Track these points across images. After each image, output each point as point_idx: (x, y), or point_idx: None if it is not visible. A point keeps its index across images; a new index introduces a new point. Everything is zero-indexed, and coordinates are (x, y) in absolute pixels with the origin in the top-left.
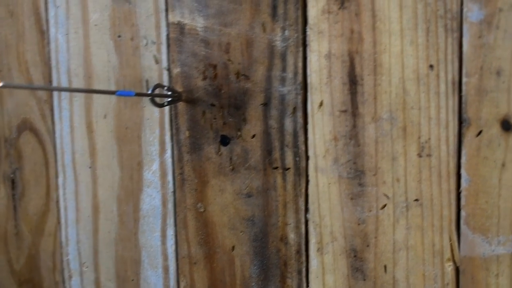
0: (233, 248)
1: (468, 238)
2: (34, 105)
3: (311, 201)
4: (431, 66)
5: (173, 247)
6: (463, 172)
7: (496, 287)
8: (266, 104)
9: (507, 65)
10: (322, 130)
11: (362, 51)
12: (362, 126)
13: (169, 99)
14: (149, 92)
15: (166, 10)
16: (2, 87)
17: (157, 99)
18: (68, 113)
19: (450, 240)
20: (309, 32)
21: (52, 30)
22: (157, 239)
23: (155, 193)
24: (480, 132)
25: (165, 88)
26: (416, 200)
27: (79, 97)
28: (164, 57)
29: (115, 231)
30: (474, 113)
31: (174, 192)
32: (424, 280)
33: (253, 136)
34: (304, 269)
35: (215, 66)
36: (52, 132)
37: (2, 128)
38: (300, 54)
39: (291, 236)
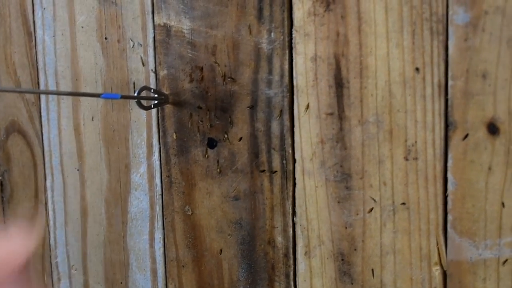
0: (220, 251)
1: (455, 242)
2: (22, 107)
3: (298, 204)
4: (417, 69)
5: (161, 250)
6: (449, 175)
7: None
8: (252, 107)
9: (493, 68)
10: (308, 133)
11: (348, 54)
12: (349, 129)
13: (156, 102)
14: (135, 94)
15: (153, 12)
16: None
17: (144, 102)
18: (56, 115)
19: (437, 244)
20: (295, 34)
21: (39, 32)
22: (145, 242)
23: (143, 195)
24: (466, 136)
25: (152, 90)
26: (403, 203)
27: (67, 99)
28: (150, 59)
29: (103, 233)
30: (460, 116)
31: (162, 195)
32: (412, 284)
33: (240, 139)
34: (292, 273)
35: (201, 68)
36: (40, 134)
37: None
38: (287, 57)
39: (279, 239)
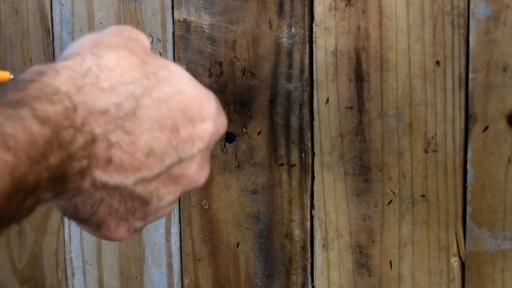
0: (237, 245)
1: (474, 233)
2: None
3: (316, 197)
4: (437, 62)
5: (177, 244)
6: (469, 167)
7: (502, 282)
8: (272, 101)
9: None
10: (328, 126)
11: (368, 48)
12: (368, 122)
13: None
14: None
15: (172, 8)
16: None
17: None
18: None
19: (456, 235)
20: (315, 29)
21: (57, 28)
22: (161, 236)
23: None
24: (486, 128)
25: None
26: (422, 195)
27: None
28: (170, 54)
29: None
30: (481, 109)
31: None
32: (430, 276)
33: (259, 133)
34: (309, 265)
35: (221, 63)
36: None
37: None
38: (307, 51)
39: (296, 232)
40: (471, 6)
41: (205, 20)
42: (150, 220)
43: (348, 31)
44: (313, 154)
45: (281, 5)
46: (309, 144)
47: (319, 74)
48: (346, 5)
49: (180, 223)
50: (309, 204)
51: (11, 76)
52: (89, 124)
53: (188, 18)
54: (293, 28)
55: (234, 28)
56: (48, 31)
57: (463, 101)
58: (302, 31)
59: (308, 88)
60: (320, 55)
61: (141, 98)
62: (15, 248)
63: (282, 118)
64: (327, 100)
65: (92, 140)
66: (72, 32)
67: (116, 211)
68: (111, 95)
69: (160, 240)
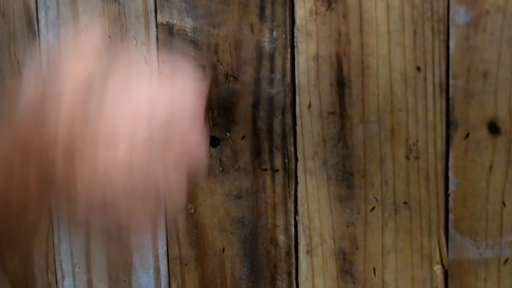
0: (223, 249)
1: (456, 241)
2: None
3: (300, 203)
4: (418, 68)
5: (164, 248)
6: (450, 175)
7: None
8: (255, 106)
9: (494, 67)
10: (310, 132)
11: (349, 53)
12: (350, 128)
13: None
14: None
15: (155, 11)
16: None
17: None
18: None
19: (439, 243)
20: (296, 33)
21: (42, 31)
22: (148, 240)
23: None
24: (467, 135)
25: None
26: (405, 203)
27: None
28: (153, 58)
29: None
30: (462, 116)
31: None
32: (413, 283)
33: (243, 137)
34: (294, 271)
35: (204, 67)
36: None
37: None
38: (288, 56)
39: (281, 238)
40: (451, 12)
41: (188, 24)
42: None
43: (329, 36)
44: (296, 160)
45: (262, 9)
46: (292, 149)
47: (301, 79)
48: (327, 10)
49: (166, 227)
50: (293, 209)
51: None
52: None
53: (171, 21)
54: (274, 32)
55: (217, 31)
56: (34, 33)
57: (444, 107)
58: (284, 35)
59: (290, 93)
60: (301, 60)
61: None
62: (6, 250)
63: (265, 123)
64: (309, 105)
65: None
66: (58, 34)
67: None
68: None
69: (147, 244)
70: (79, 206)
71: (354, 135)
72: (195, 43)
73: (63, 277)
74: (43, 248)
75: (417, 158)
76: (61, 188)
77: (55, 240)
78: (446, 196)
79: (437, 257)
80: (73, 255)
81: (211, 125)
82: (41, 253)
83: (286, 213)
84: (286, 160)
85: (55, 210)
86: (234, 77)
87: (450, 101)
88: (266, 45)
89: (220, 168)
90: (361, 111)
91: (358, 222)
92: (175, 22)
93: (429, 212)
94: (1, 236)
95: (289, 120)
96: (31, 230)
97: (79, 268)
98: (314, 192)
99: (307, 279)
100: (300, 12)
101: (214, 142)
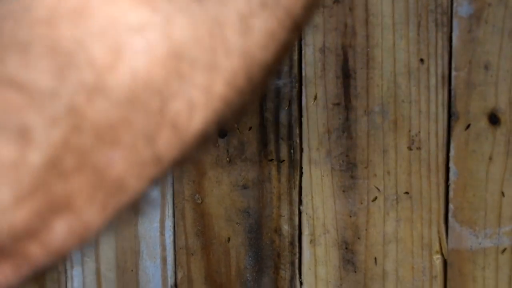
0: (228, 239)
1: (455, 231)
2: None
3: (304, 193)
4: (421, 60)
5: (171, 237)
6: (451, 165)
7: (483, 280)
8: (262, 97)
9: (495, 59)
10: (316, 123)
11: (355, 45)
12: (355, 119)
13: None
14: None
15: None
16: None
17: None
18: None
19: (439, 233)
20: None
21: None
22: (155, 230)
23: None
24: (468, 126)
25: None
26: (406, 193)
27: None
28: None
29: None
30: (463, 107)
31: (173, 183)
32: (413, 272)
33: (250, 128)
34: (297, 261)
35: None
36: None
37: None
38: (296, 48)
39: (285, 227)
40: (454, 4)
41: None
42: None
43: (336, 28)
44: (301, 150)
45: None
46: (298, 140)
47: (308, 70)
48: (334, 2)
49: (174, 217)
50: (297, 199)
51: None
52: None
53: None
54: None
55: None
56: None
57: (446, 99)
58: None
59: (297, 84)
60: (308, 52)
61: None
62: None
63: (272, 114)
64: (315, 97)
65: None
66: None
67: None
68: None
69: (155, 234)
70: None
71: (358, 126)
72: None
73: (72, 267)
74: None
75: (419, 148)
76: None
77: None
78: (447, 186)
79: (436, 247)
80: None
81: None
82: None
83: (290, 203)
84: (292, 151)
85: None
86: None
87: (452, 93)
88: None
89: (228, 159)
90: (366, 102)
91: (361, 212)
92: None
93: (430, 202)
94: None
95: (295, 112)
96: None
97: (88, 257)
98: (318, 183)
99: (309, 268)
100: None
101: (222, 133)
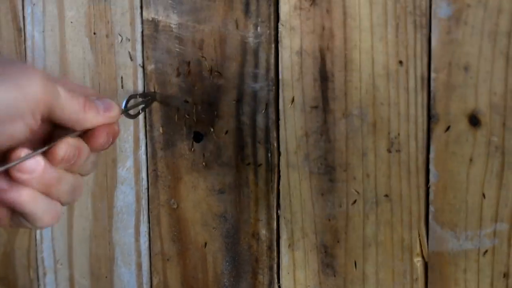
0: (205, 244)
1: (436, 233)
2: None
3: (282, 197)
4: (400, 62)
5: (146, 243)
6: (431, 167)
7: (464, 283)
8: (238, 101)
9: (475, 60)
10: (293, 126)
11: (333, 48)
12: (333, 122)
13: (143, 106)
14: (123, 105)
15: (141, 7)
16: None
17: (131, 111)
18: None
19: (419, 235)
20: (281, 28)
21: (28, 28)
22: (130, 236)
23: (129, 189)
24: (448, 128)
25: (138, 96)
26: (386, 195)
27: None
28: (138, 54)
29: (89, 228)
30: (443, 109)
31: (148, 188)
32: (394, 276)
33: (226, 132)
34: (275, 265)
35: (188, 63)
36: None
37: None
38: (272, 51)
39: (263, 232)
40: (433, 6)
41: (173, 20)
42: None
43: (313, 30)
44: (279, 154)
45: (247, 5)
46: (275, 144)
47: (285, 73)
48: (311, 5)
49: (149, 222)
50: (275, 203)
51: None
52: None
53: (156, 17)
54: (259, 28)
55: (202, 27)
56: (20, 30)
57: (426, 101)
58: (268, 31)
59: (273, 87)
60: (285, 55)
61: None
62: None
63: (249, 117)
64: (293, 100)
65: None
66: (43, 31)
67: None
68: None
69: (130, 240)
70: None
71: (337, 129)
72: (180, 39)
73: (44, 274)
74: (24, 245)
75: (398, 151)
76: None
77: (38, 236)
78: (427, 189)
79: (417, 249)
80: (55, 252)
81: (195, 120)
82: (23, 250)
83: (268, 207)
84: (269, 154)
85: None
86: (219, 72)
87: (432, 95)
88: (251, 40)
89: (204, 163)
90: (344, 105)
91: (340, 216)
92: (160, 18)
93: (410, 204)
94: None
95: (272, 115)
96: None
97: (61, 264)
98: (296, 186)
99: (288, 273)
100: (285, 8)
101: (197, 137)
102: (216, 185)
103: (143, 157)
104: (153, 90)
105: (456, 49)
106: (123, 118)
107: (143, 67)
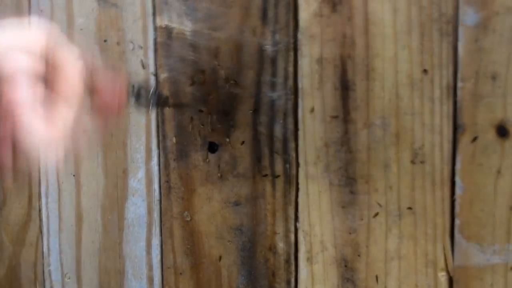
0: (220, 258)
1: (462, 247)
2: None
3: (301, 209)
4: (425, 71)
5: (158, 257)
6: (457, 179)
7: None
8: (255, 110)
9: (503, 69)
10: (313, 136)
11: (354, 56)
12: (354, 132)
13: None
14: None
15: (154, 14)
16: None
17: (143, 100)
18: None
19: (444, 249)
20: (300, 36)
21: None
22: (141, 249)
23: (140, 201)
24: (475, 138)
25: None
26: (409, 208)
27: None
28: (151, 62)
29: (98, 240)
30: (469, 119)
31: (160, 200)
32: None
33: (242, 142)
34: (293, 279)
35: (203, 71)
36: None
37: None
38: (291, 59)
39: (280, 245)
40: (460, 13)
41: (187, 27)
42: None
43: (334, 38)
44: (298, 165)
45: (264, 11)
46: (294, 155)
47: (304, 82)
48: (332, 12)
49: (161, 235)
50: (293, 216)
51: None
52: None
53: (170, 24)
54: (277, 35)
55: (217, 35)
56: None
57: (451, 110)
58: (287, 38)
59: (292, 96)
60: (304, 63)
61: None
62: None
63: (266, 127)
64: (312, 109)
65: None
66: None
67: None
68: None
69: (141, 253)
70: None
71: (358, 140)
72: (194, 47)
73: None
74: (31, 258)
75: (422, 162)
76: None
77: (45, 249)
78: (452, 201)
79: (442, 264)
80: (63, 265)
81: (210, 130)
82: (29, 263)
83: (286, 219)
84: (287, 166)
85: None
86: (235, 81)
87: (458, 104)
88: (268, 48)
89: (219, 174)
90: (366, 115)
91: (361, 229)
92: (174, 25)
93: (434, 217)
94: None
95: (290, 125)
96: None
97: (69, 278)
98: (315, 198)
99: (306, 287)
100: (304, 14)
101: (212, 147)
102: (231, 197)
103: (156, 168)
104: (166, 98)
105: (484, 57)
106: (136, 126)
107: (155, 75)
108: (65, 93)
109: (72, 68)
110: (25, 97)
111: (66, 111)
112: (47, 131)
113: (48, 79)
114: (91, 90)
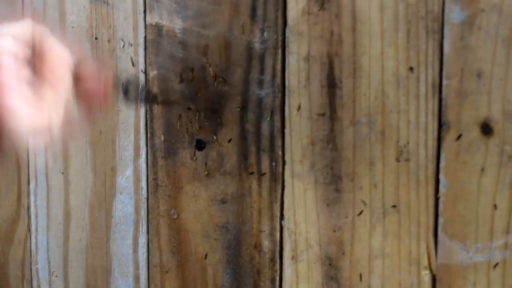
0: (206, 256)
1: (445, 245)
2: None
3: (286, 207)
4: (411, 69)
5: (145, 255)
6: (441, 177)
7: None
8: (243, 108)
9: (488, 67)
10: (299, 134)
11: (341, 53)
12: (340, 130)
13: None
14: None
15: (145, 12)
16: None
17: (131, 95)
18: None
19: (427, 247)
20: (288, 33)
21: None
22: (128, 247)
23: (128, 199)
24: (459, 136)
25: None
26: (393, 206)
27: None
28: (141, 59)
29: (86, 239)
30: (454, 116)
31: (148, 198)
32: None
33: (229, 140)
34: (277, 278)
35: (192, 69)
36: None
37: None
38: (279, 56)
39: (265, 243)
40: (446, 10)
41: (177, 24)
42: None
43: (321, 36)
44: (284, 163)
45: (253, 9)
46: (280, 152)
47: (291, 80)
48: (320, 9)
49: (148, 233)
50: (279, 214)
51: None
52: None
53: (160, 22)
54: (265, 33)
55: (206, 32)
56: None
57: (436, 108)
58: (275, 36)
59: (279, 94)
60: (292, 61)
61: None
62: None
63: (253, 125)
64: (299, 107)
65: None
66: None
67: None
68: None
69: (128, 251)
70: None
71: (344, 137)
72: (184, 44)
73: (39, 286)
74: (19, 256)
75: (407, 160)
76: None
77: (33, 247)
78: (436, 199)
79: (425, 262)
80: (50, 263)
81: (198, 127)
82: (17, 261)
83: (271, 218)
84: (274, 164)
85: None
86: (223, 78)
87: (443, 102)
88: (257, 45)
89: (206, 172)
90: (352, 112)
91: (345, 227)
92: (164, 23)
93: (418, 215)
94: None
95: (277, 123)
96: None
97: (56, 276)
98: (301, 196)
99: (291, 286)
100: (292, 12)
101: (200, 145)
102: (218, 194)
103: (143, 165)
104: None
105: (469, 55)
106: (125, 124)
107: (145, 72)
108: (51, 80)
109: (58, 56)
110: (11, 79)
111: (52, 97)
112: (34, 114)
113: (34, 65)
114: (77, 77)
